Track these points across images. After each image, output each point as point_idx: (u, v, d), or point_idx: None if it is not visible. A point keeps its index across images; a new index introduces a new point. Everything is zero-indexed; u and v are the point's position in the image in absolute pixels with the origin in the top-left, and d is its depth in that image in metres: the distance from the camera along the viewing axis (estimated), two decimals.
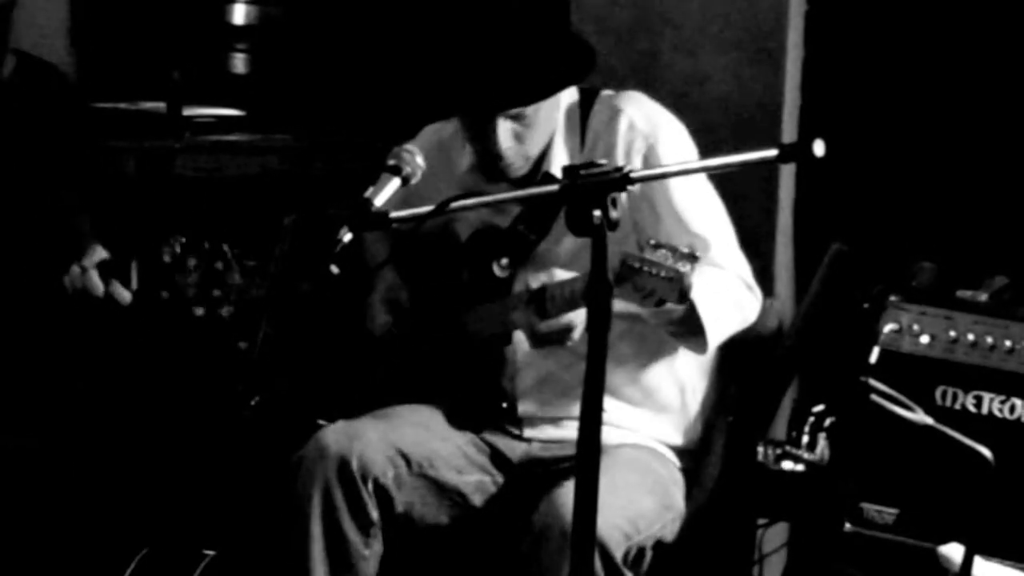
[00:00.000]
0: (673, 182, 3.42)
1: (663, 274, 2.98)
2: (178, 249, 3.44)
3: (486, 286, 3.49)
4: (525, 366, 3.50)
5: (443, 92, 3.43)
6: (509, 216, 3.52)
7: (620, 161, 3.41)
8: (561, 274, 3.40)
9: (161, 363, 4.21)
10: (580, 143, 3.48)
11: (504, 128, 3.37)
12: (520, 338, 3.45)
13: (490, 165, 3.44)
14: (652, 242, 3.01)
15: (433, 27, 3.55)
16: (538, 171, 3.46)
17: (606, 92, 3.54)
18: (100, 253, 3.81)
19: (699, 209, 3.44)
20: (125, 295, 3.67)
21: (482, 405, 3.52)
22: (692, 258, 2.99)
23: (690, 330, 3.32)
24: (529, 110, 3.38)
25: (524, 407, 3.53)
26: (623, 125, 3.46)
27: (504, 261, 3.47)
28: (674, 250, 2.98)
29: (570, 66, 3.41)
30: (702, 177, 3.47)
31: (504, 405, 3.52)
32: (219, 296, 3.41)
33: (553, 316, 3.33)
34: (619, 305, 3.10)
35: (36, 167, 4.06)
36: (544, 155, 3.47)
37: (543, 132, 3.44)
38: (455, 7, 3.41)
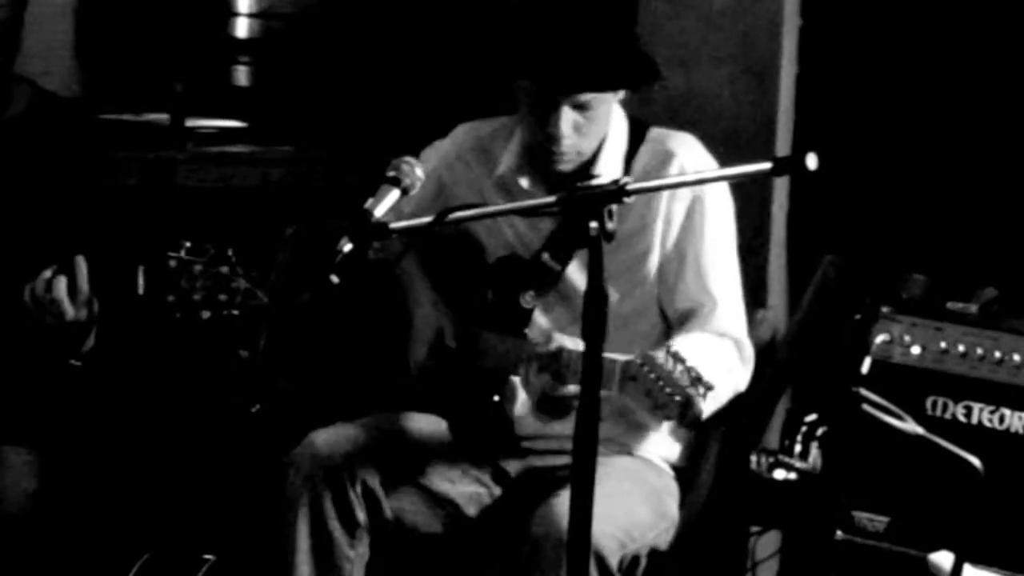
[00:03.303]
0: (710, 241, 3.46)
1: (677, 396, 3.04)
2: (183, 254, 3.47)
3: (510, 313, 3.48)
4: (523, 388, 3.45)
5: (514, 69, 3.39)
6: (541, 233, 3.50)
7: (664, 204, 3.45)
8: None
9: (167, 365, 4.22)
10: (626, 172, 3.45)
11: (567, 115, 3.35)
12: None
13: (541, 157, 3.43)
14: (673, 350, 3.06)
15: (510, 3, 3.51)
16: (584, 175, 3.42)
17: (657, 129, 3.55)
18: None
19: (721, 271, 3.48)
20: (69, 310, 3.65)
21: (483, 434, 3.50)
22: (708, 387, 3.04)
23: None
24: (594, 102, 3.37)
25: (521, 428, 3.51)
26: (674, 170, 3.45)
27: (531, 294, 3.47)
28: (690, 370, 3.03)
29: (641, 68, 3.44)
30: (732, 241, 3.52)
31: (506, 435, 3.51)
32: (224, 300, 3.44)
33: (568, 383, 3.29)
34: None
35: (47, 206, 3.96)
36: (592, 161, 3.46)
37: (599, 131, 3.44)
38: None
